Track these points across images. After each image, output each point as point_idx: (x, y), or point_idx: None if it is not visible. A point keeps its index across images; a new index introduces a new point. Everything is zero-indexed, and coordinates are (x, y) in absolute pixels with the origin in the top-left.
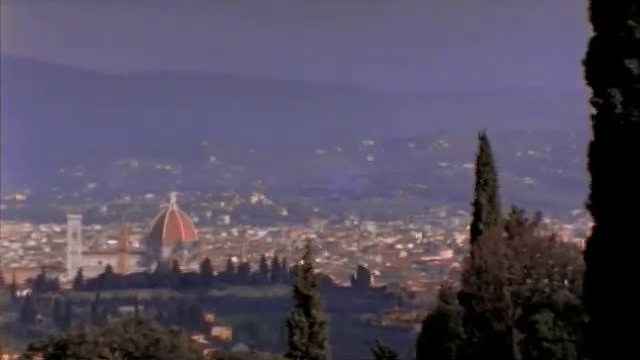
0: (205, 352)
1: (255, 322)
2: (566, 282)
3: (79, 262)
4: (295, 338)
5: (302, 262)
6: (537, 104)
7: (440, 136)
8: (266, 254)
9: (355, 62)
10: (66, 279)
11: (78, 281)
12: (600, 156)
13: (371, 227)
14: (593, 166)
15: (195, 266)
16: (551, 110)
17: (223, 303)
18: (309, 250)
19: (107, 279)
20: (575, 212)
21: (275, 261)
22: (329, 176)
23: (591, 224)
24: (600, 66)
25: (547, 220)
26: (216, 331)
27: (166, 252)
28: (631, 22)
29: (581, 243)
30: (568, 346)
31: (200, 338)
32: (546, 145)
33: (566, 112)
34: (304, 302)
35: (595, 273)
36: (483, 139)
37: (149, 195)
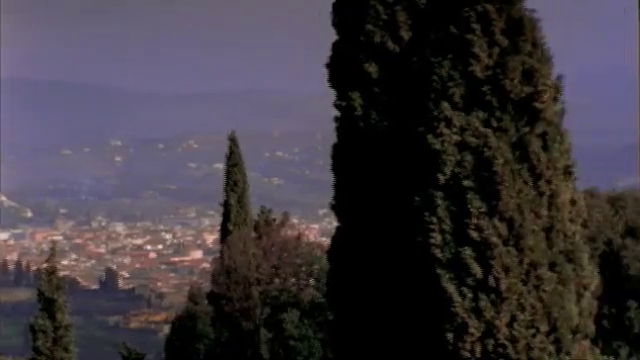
0: None
1: None
2: (312, 281)
3: None
4: (39, 342)
5: (46, 264)
6: (282, 106)
7: (189, 137)
8: (8, 257)
9: (95, 61)
10: None
11: None
12: (343, 157)
13: (120, 228)
14: (337, 167)
15: None
16: (297, 111)
17: None
18: (54, 252)
19: None
20: (321, 212)
21: (18, 264)
22: (76, 177)
23: (336, 224)
24: (342, 70)
25: (294, 220)
26: None
27: None
28: (370, 27)
29: (327, 242)
30: (314, 343)
31: None
32: (293, 146)
33: (312, 113)
34: (48, 305)
35: (338, 272)
36: (233, 140)
37: None
